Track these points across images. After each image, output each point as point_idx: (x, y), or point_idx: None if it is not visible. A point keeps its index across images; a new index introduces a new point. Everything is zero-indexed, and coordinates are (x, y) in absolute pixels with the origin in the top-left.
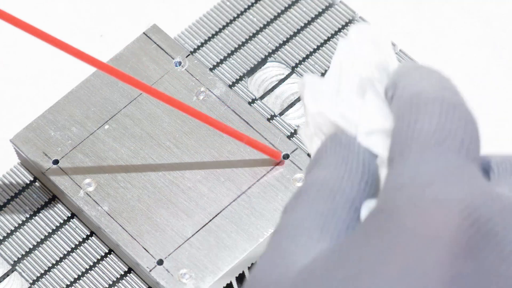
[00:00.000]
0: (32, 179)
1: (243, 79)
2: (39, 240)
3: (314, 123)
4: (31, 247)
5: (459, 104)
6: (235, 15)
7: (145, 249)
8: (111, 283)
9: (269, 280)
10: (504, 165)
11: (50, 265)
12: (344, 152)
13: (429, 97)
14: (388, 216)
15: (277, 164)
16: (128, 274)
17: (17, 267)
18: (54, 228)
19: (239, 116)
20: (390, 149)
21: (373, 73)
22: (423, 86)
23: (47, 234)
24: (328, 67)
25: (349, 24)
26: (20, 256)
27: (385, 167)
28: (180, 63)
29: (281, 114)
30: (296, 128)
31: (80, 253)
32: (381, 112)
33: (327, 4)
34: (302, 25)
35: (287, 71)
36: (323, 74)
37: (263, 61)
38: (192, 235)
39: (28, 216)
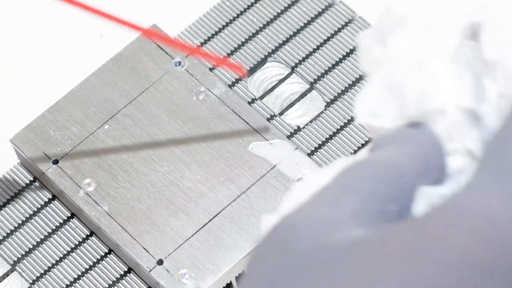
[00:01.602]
0: (32, 179)
1: (243, 79)
2: (39, 240)
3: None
4: (31, 247)
5: None
6: (235, 15)
7: (145, 249)
8: (111, 283)
9: (313, 242)
10: None
11: (50, 265)
12: (418, 138)
13: None
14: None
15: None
16: (128, 274)
17: (17, 267)
18: (54, 228)
19: (239, 116)
20: (486, 151)
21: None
22: None
23: (47, 234)
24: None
25: (349, 24)
26: (20, 256)
27: (461, 157)
28: (180, 63)
29: (280, 114)
30: (295, 128)
31: (80, 253)
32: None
33: (327, 4)
34: (302, 25)
35: (287, 71)
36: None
37: (263, 61)
38: (192, 235)
39: (28, 216)
